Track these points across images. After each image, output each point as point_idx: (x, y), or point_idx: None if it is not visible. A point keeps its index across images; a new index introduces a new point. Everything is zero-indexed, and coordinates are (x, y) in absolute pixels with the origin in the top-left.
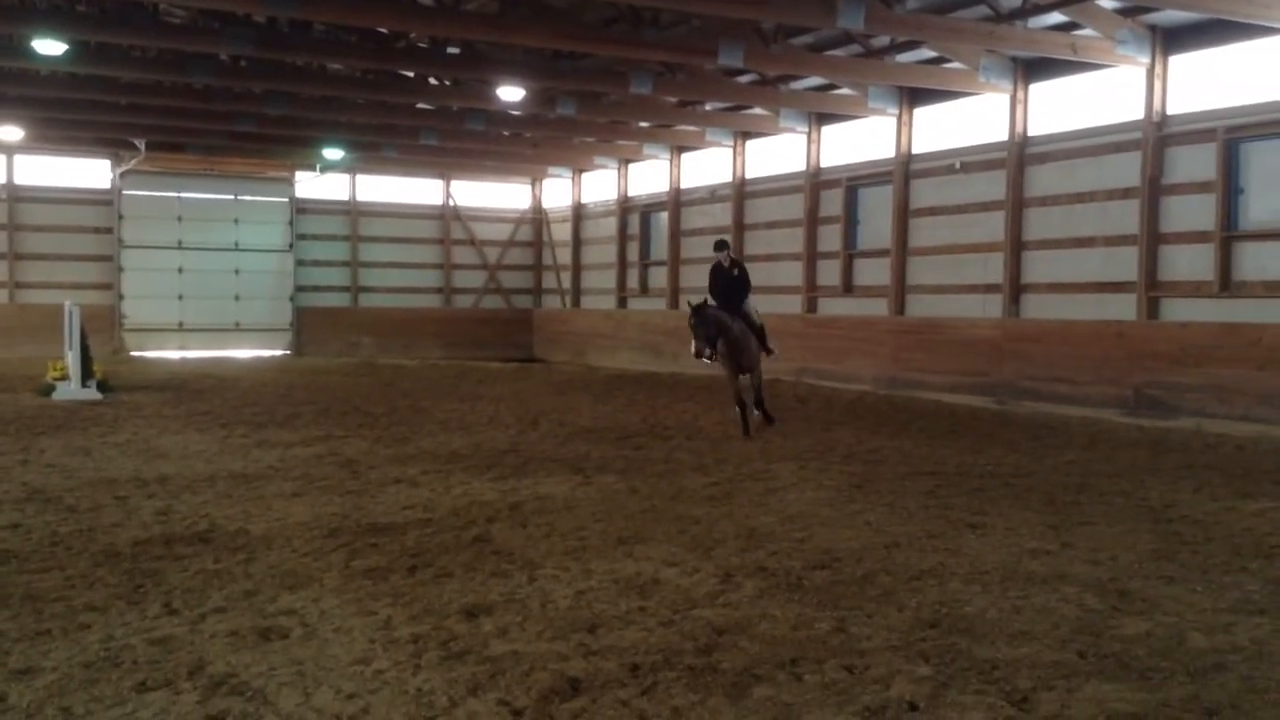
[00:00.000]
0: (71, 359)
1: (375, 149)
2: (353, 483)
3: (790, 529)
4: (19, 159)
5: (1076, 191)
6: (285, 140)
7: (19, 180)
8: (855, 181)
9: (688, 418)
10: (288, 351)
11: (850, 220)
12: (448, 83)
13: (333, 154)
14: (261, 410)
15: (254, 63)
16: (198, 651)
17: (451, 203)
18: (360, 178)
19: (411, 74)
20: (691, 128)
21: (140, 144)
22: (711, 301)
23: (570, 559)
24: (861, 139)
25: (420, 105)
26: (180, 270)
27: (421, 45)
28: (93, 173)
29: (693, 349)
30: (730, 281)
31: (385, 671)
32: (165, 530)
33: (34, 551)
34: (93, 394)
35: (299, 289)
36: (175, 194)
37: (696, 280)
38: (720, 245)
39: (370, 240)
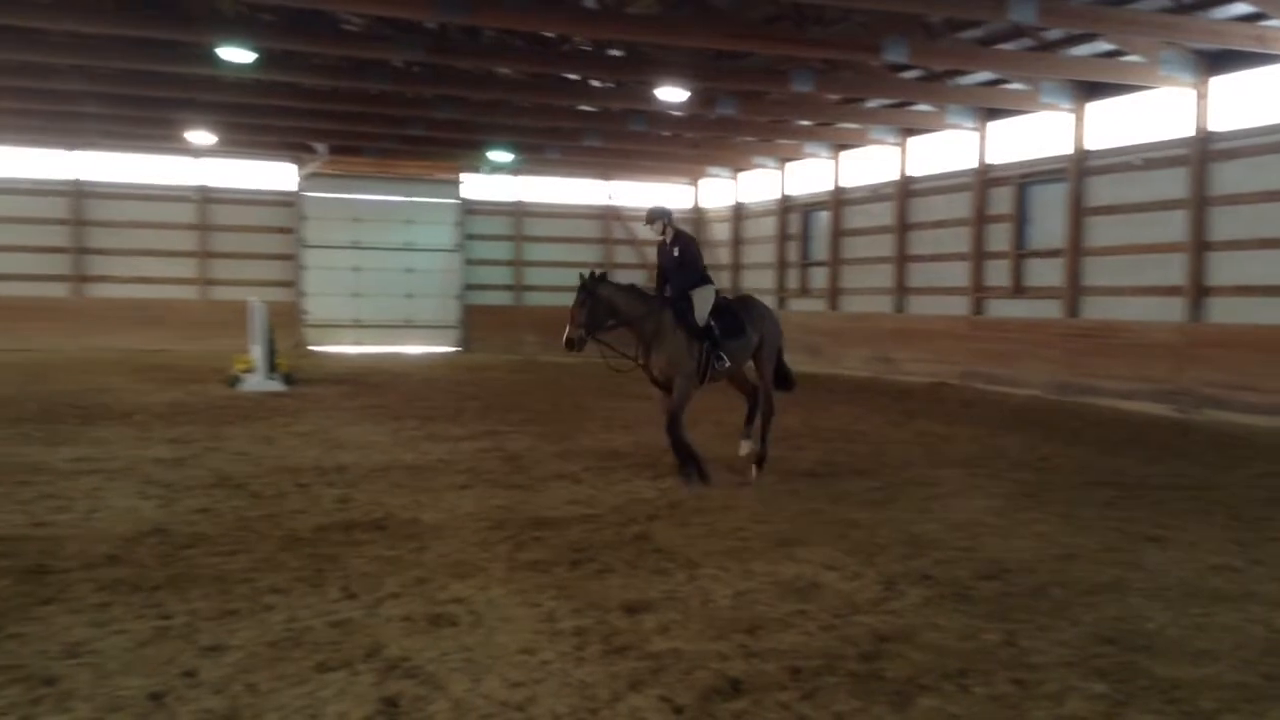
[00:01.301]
0: (257, 353)
1: (539, 151)
2: (518, 477)
3: (956, 537)
4: (209, 162)
5: (1267, 189)
6: (454, 143)
7: (209, 183)
8: (1026, 179)
9: (847, 420)
10: (456, 348)
11: (1020, 219)
12: (610, 85)
13: (499, 156)
14: (431, 405)
15: (425, 68)
16: (374, 635)
17: (612, 202)
18: (524, 179)
19: (575, 77)
20: (854, 125)
21: (321, 148)
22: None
23: (730, 559)
24: (1032, 135)
25: (582, 107)
26: (356, 269)
27: (585, 48)
28: (277, 175)
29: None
30: (670, 264)
31: (550, 662)
32: (344, 517)
33: (223, 535)
34: (277, 386)
35: (466, 287)
36: (352, 196)
37: (858, 280)
38: (651, 216)
39: (533, 240)
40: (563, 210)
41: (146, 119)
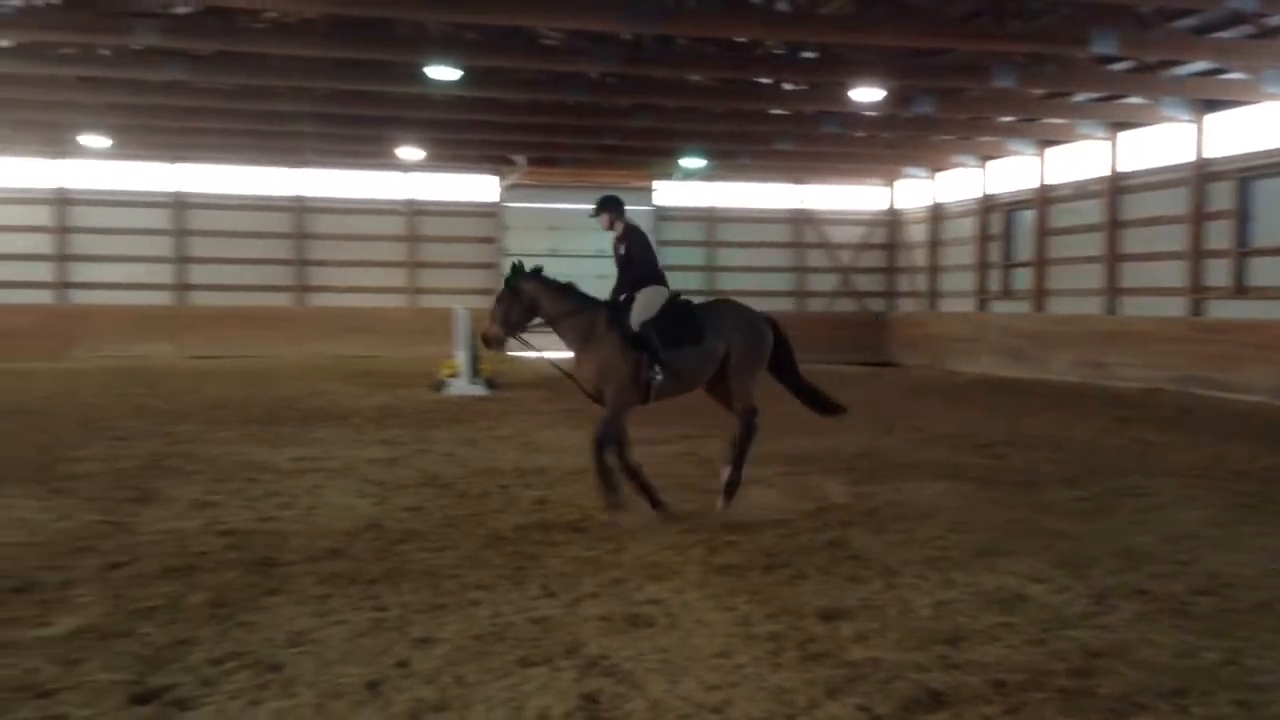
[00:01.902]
0: (461, 358)
1: (731, 156)
2: (711, 481)
3: (1173, 550)
4: (417, 176)
5: None
6: (647, 151)
7: (417, 196)
8: (1249, 173)
9: (1054, 427)
10: None
11: (1243, 215)
12: (803, 87)
13: (692, 163)
14: None
15: (620, 78)
16: (573, 633)
17: (804, 206)
18: (716, 184)
19: (767, 81)
20: (1059, 120)
21: (520, 159)
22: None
23: (929, 568)
24: (1255, 127)
25: (774, 111)
26: (554, 277)
27: (777, 52)
28: (480, 187)
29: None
30: (620, 262)
31: (745, 666)
32: (543, 518)
33: (431, 532)
34: (480, 390)
35: None
36: (549, 205)
37: (1065, 281)
38: (598, 208)
39: (725, 245)
40: (755, 215)
41: (359, 137)
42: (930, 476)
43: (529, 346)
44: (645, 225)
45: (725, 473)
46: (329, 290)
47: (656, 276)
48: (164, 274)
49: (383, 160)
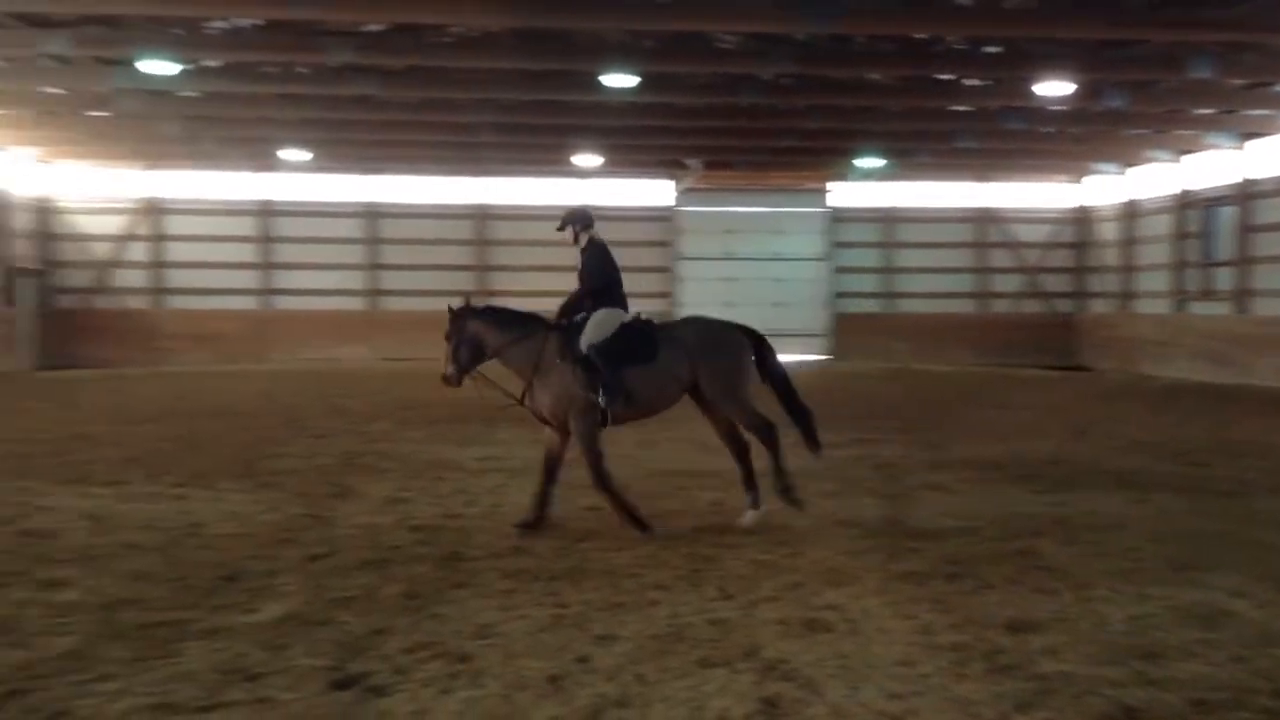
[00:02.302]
0: None
1: (909, 155)
2: (889, 486)
3: None
4: (593, 182)
5: None
6: (823, 152)
7: (593, 201)
8: None
9: (1260, 434)
10: (824, 356)
11: None
12: (986, 83)
13: (868, 162)
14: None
15: (795, 79)
16: (751, 636)
17: (986, 205)
18: (894, 184)
19: (948, 77)
20: (1264, 112)
21: (695, 163)
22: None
23: (1123, 580)
24: None
25: (955, 108)
26: (729, 279)
27: (958, 47)
28: (655, 192)
29: None
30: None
31: (929, 676)
32: (718, 520)
33: (610, 531)
34: None
35: (835, 295)
36: (724, 208)
37: (1271, 281)
38: (563, 220)
39: (903, 246)
40: (935, 214)
41: (538, 145)
42: (1125, 485)
43: (487, 383)
44: (819, 227)
45: (748, 516)
46: (508, 294)
47: (609, 294)
48: (357, 280)
49: (560, 167)
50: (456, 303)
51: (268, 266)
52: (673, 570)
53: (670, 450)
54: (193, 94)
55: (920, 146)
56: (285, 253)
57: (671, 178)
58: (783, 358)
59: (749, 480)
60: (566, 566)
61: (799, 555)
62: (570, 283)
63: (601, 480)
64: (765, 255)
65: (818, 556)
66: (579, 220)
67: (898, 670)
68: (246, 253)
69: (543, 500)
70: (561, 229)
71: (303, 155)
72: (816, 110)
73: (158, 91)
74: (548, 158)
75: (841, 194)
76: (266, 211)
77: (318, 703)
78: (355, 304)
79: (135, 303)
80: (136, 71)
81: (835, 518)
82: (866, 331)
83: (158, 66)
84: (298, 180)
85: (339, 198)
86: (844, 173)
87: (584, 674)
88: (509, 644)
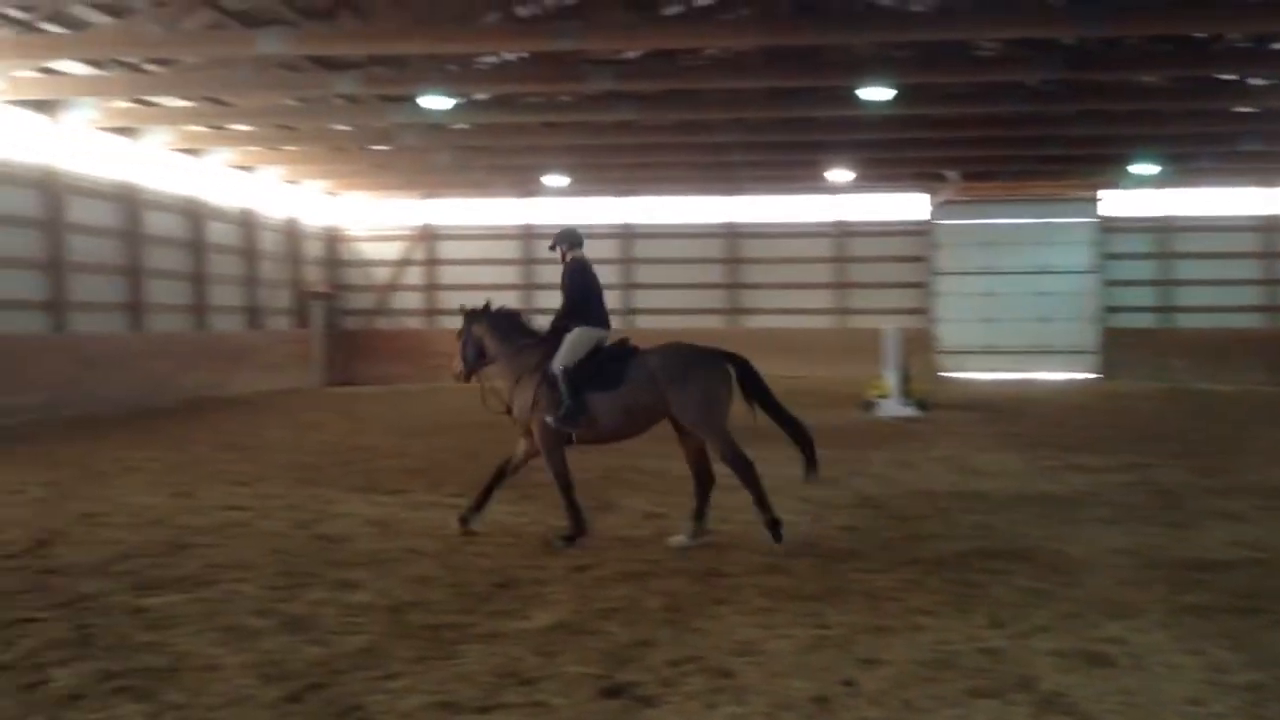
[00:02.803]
0: (891, 378)
1: (1188, 160)
2: (1170, 513)
3: None
4: (846, 198)
5: None
6: (1091, 159)
7: (846, 217)
8: None
9: None
10: (1093, 374)
11: None
12: (1273, 81)
13: (1142, 169)
14: (1068, 433)
15: (1062, 85)
16: (1025, 666)
17: (1275, 212)
18: (1170, 191)
19: (1230, 77)
20: None
21: (953, 175)
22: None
23: None
24: None
25: (1239, 109)
26: (989, 294)
27: (1241, 45)
28: (910, 205)
29: None
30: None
31: (1224, 716)
32: (984, 545)
33: (869, 552)
34: (911, 411)
35: (1105, 310)
36: (984, 220)
37: None
38: (554, 240)
39: (1181, 256)
40: (1217, 223)
41: (790, 162)
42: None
43: (489, 390)
44: (1088, 237)
45: (675, 539)
46: (759, 312)
47: (584, 314)
48: (612, 300)
49: (812, 184)
50: (472, 303)
51: (529, 287)
52: (938, 595)
53: (929, 470)
54: (464, 126)
55: (1200, 151)
56: (546, 273)
57: (927, 191)
58: (1047, 376)
59: (699, 513)
60: (826, 587)
61: (1074, 584)
62: (819, 299)
63: (565, 489)
64: (1029, 269)
65: (1095, 586)
66: (567, 240)
67: (1188, 710)
68: (511, 275)
69: (483, 498)
70: (553, 249)
71: (562, 180)
72: (1085, 116)
73: (433, 125)
74: (799, 174)
75: (1112, 203)
76: (529, 235)
77: (589, 710)
78: (612, 321)
79: (411, 323)
80: (415, 107)
81: (1111, 545)
82: (1139, 348)
83: (434, 101)
84: (557, 204)
85: (596, 220)
86: (1114, 181)
87: (849, 697)
88: (771, 662)
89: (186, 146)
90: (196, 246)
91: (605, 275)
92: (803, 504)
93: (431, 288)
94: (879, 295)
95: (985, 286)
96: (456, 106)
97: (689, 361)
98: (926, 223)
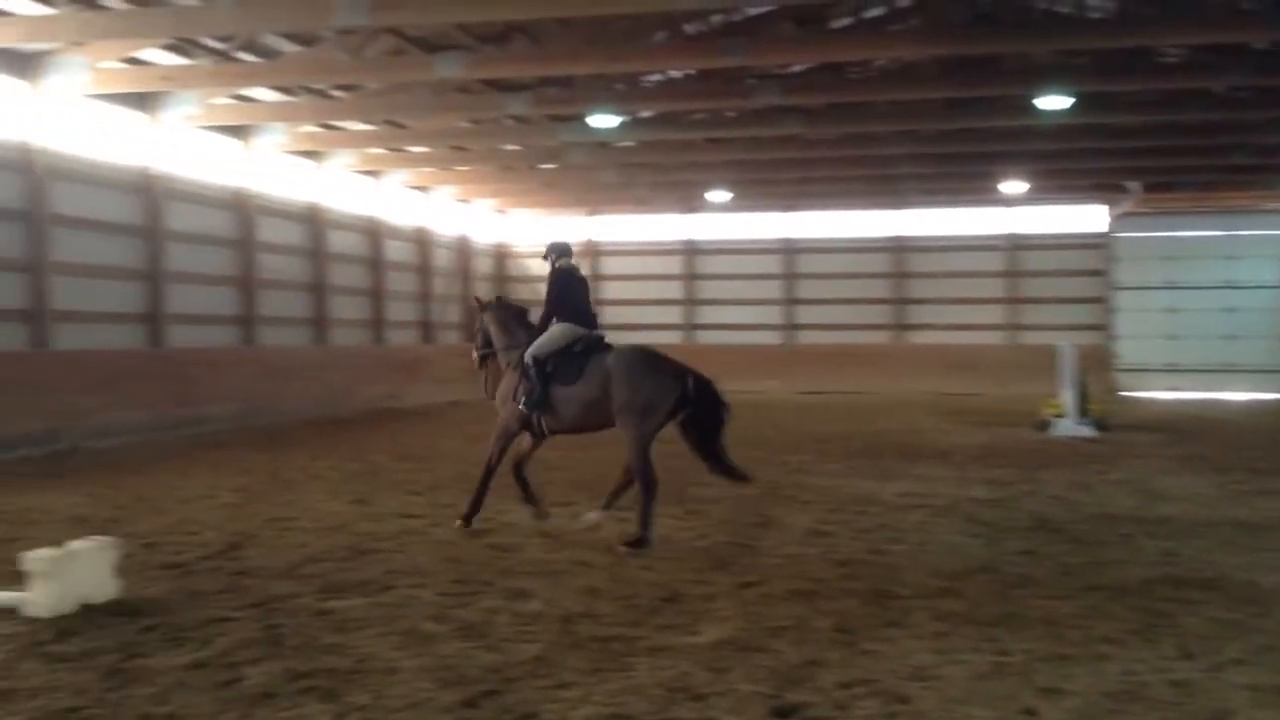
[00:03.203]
0: (1067, 397)
1: None
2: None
3: None
4: (1018, 210)
5: None
6: None
7: (1018, 230)
8: None
9: None
10: None
11: None
12: None
13: None
14: (1258, 456)
15: (1253, 91)
16: (1218, 700)
17: None
18: None
19: None
20: None
21: (1133, 186)
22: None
23: None
24: None
25: None
26: (1171, 310)
27: None
28: (1087, 218)
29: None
30: None
31: None
32: (1170, 572)
33: (1047, 578)
34: (1088, 431)
35: None
36: (1167, 233)
37: None
38: (545, 253)
39: None
40: None
41: (961, 174)
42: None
43: (489, 379)
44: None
45: (587, 519)
46: (927, 328)
47: (563, 315)
48: (774, 315)
49: (983, 196)
50: (485, 295)
51: (691, 303)
52: (1122, 623)
53: (1109, 493)
54: (629, 143)
55: None
56: (707, 289)
57: (1106, 202)
58: (1235, 395)
59: (614, 496)
60: (1003, 612)
61: (1267, 615)
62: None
63: (489, 467)
64: (1215, 283)
65: None
66: (556, 251)
67: None
68: (672, 290)
69: (522, 493)
70: (545, 259)
71: (724, 195)
72: (1276, 124)
73: (599, 143)
74: (970, 186)
75: None
76: (691, 250)
77: None
78: (772, 338)
79: None
80: (583, 126)
81: None
82: None
83: (602, 120)
84: (719, 219)
85: (757, 235)
86: None
87: None
88: (948, 688)
89: (366, 168)
90: (374, 264)
91: (767, 290)
92: (977, 526)
93: (594, 303)
94: (1054, 311)
95: (1168, 302)
96: (622, 124)
97: (640, 367)
98: (1105, 235)
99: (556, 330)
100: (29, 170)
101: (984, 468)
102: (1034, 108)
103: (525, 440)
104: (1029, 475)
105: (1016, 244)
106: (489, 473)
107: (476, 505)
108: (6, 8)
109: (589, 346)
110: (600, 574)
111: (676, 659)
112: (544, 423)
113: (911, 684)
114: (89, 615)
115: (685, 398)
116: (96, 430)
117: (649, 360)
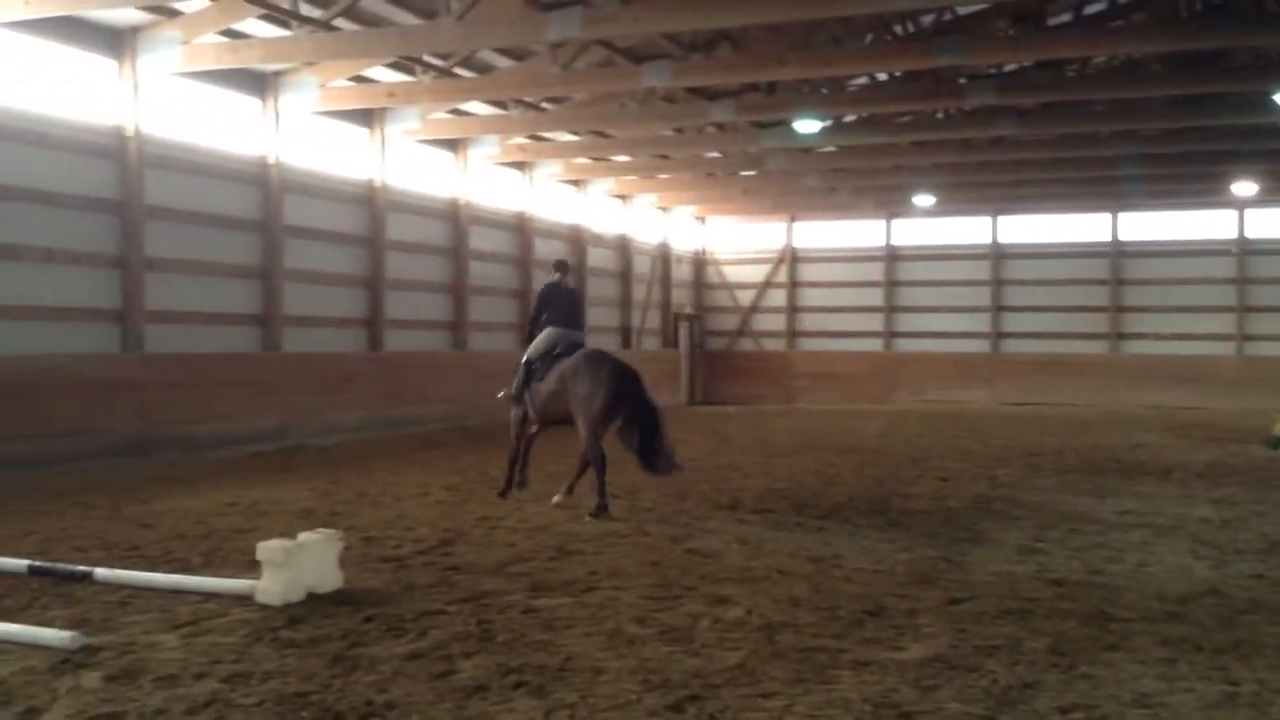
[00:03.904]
0: None
1: None
2: None
3: None
4: (1251, 213)
5: None
6: None
7: (1249, 233)
8: None
9: None
10: None
11: None
12: None
13: None
14: None
15: None
16: None
17: None
18: None
19: None
20: None
21: None
22: None
23: None
24: None
25: None
26: None
27: None
28: None
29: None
30: None
31: None
32: None
33: None
34: None
35: None
36: None
37: None
38: (554, 267)
39: None
40: None
41: (1187, 175)
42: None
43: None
44: None
45: (555, 499)
46: (1146, 337)
47: (551, 322)
48: (980, 323)
49: (1211, 198)
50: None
51: (892, 310)
52: None
53: None
54: (831, 149)
55: None
56: (909, 296)
57: None
58: None
59: (574, 480)
60: (1233, 639)
61: None
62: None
63: (509, 449)
64: None
65: None
66: (560, 267)
67: None
68: (872, 297)
69: (519, 468)
70: (554, 273)
71: (929, 199)
72: None
73: (801, 149)
74: (1196, 188)
75: None
76: (892, 256)
77: None
78: (977, 346)
79: (771, 345)
80: (786, 132)
81: None
82: None
83: (805, 125)
84: (922, 224)
85: (962, 240)
86: None
87: None
88: (1175, 718)
89: (571, 178)
90: (577, 271)
91: (973, 298)
92: (1203, 547)
93: (793, 309)
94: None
95: None
96: (825, 129)
97: (585, 365)
98: None
99: (543, 336)
100: (265, 184)
101: (1210, 486)
102: (1270, 103)
103: (532, 428)
104: (1259, 495)
105: (1247, 249)
106: (511, 453)
107: (508, 482)
108: (247, 30)
109: (567, 349)
110: (802, 583)
111: (882, 674)
112: (530, 413)
113: (1135, 711)
114: (315, 604)
115: (619, 393)
116: (320, 428)
117: (593, 360)
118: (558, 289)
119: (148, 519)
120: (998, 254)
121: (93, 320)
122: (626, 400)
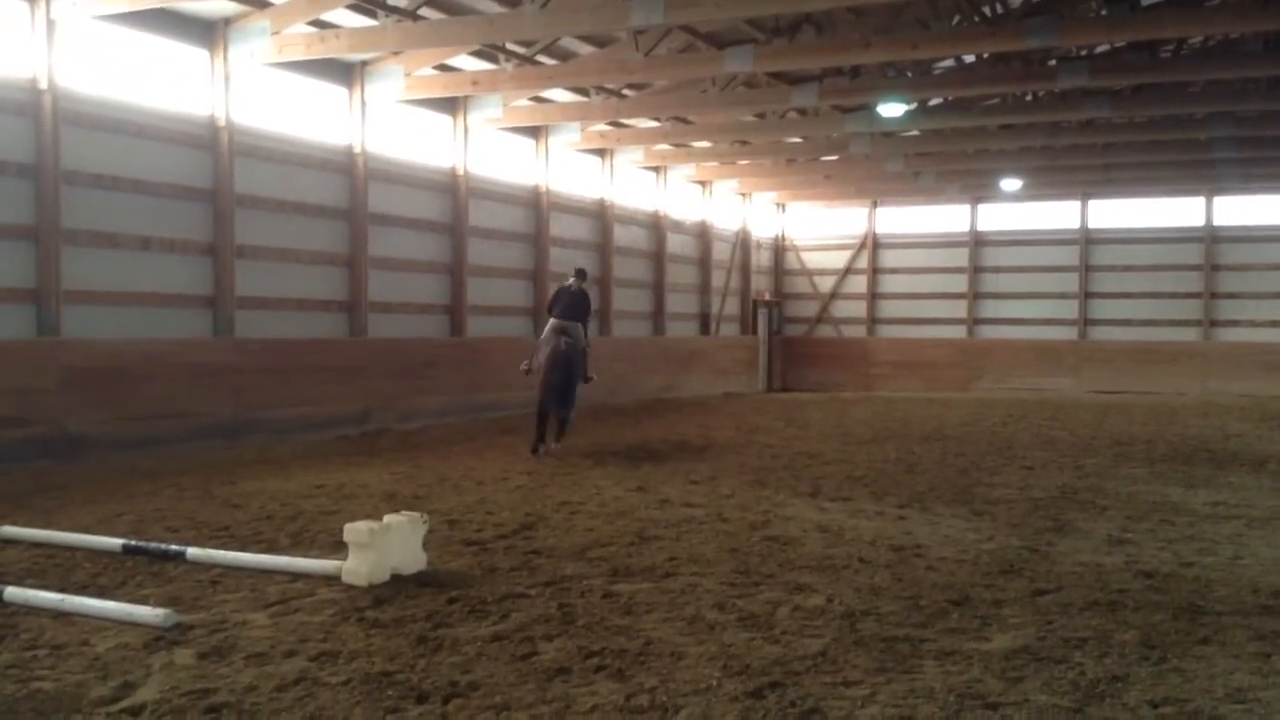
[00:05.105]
0: None
1: None
2: None
3: None
4: None
5: None
6: None
7: None
8: None
9: None
10: None
11: None
12: None
13: None
14: None
15: None
16: None
17: None
18: None
19: None
20: None
21: None
22: None
23: None
24: None
25: None
26: None
27: None
28: None
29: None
30: None
31: None
32: None
33: None
34: None
35: None
36: None
37: None
38: (574, 274)
39: None
40: None
41: None
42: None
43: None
44: None
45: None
46: (1241, 325)
47: (553, 314)
48: (1067, 309)
49: None
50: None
51: (975, 296)
52: None
53: None
54: (915, 133)
55: None
56: (994, 282)
57: None
58: None
59: (546, 435)
60: None
61: None
62: None
63: (538, 407)
64: None
65: None
66: (578, 275)
67: None
68: (956, 283)
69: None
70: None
71: (1015, 184)
72: None
73: (884, 133)
74: None
75: None
76: (976, 242)
77: None
78: (1063, 333)
79: (850, 331)
80: (869, 116)
81: None
82: None
83: (889, 109)
84: (1008, 210)
85: (1048, 225)
86: None
87: None
88: (1271, 714)
89: (651, 164)
90: (657, 257)
91: (1059, 284)
92: None
93: (873, 296)
94: None
95: None
96: (908, 113)
97: (546, 337)
98: None
99: (548, 326)
100: (351, 172)
101: None
102: None
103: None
104: None
105: None
106: (537, 414)
107: (536, 440)
108: (334, 20)
109: (556, 331)
110: (883, 572)
111: (966, 664)
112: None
113: (1229, 706)
114: (400, 585)
115: (559, 355)
116: (403, 413)
117: (550, 334)
118: (566, 290)
119: (237, 500)
120: (1086, 239)
121: (186, 306)
122: (556, 367)
